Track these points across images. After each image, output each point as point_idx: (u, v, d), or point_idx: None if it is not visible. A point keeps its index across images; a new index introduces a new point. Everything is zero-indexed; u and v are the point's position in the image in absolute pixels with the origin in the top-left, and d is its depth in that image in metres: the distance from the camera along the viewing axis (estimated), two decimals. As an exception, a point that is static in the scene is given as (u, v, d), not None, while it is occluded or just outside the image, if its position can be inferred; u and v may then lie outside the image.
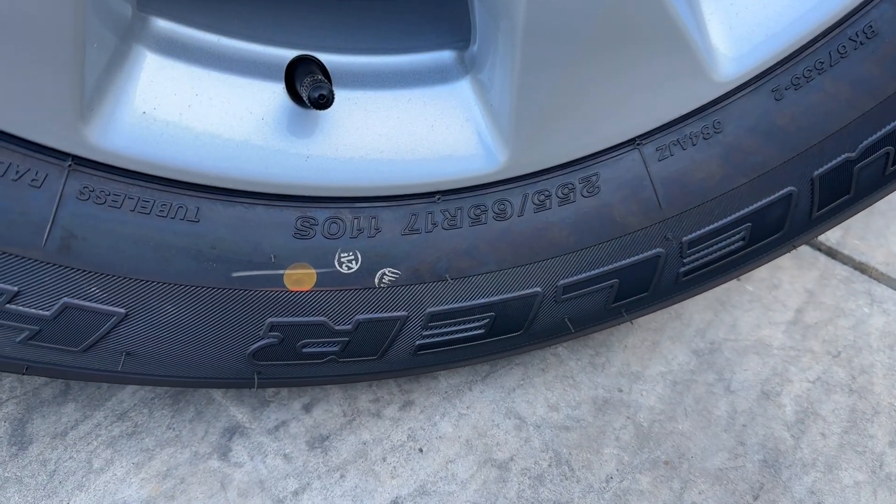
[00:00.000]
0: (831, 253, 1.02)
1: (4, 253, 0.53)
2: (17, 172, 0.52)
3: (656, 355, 0.86)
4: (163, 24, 0.55)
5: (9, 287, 0.54)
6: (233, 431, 0.77)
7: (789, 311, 0.92)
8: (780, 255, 0.73)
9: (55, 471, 0.73)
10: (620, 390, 0.82)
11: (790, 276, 0.97)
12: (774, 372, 0.85)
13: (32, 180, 0.52)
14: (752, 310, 0.92)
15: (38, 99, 0.49)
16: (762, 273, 0.97)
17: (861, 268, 0.99)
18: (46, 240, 0.54)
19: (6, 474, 0.72)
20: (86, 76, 0.50)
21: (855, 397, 0.82)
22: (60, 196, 0.53)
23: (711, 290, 0.94)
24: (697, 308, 0.92)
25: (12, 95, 0.49)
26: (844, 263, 1.00)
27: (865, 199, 0.70)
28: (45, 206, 0.53)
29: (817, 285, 0.96)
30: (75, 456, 0.74)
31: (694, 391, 0.82)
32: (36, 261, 0.54)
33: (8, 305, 0.55)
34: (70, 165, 0.53)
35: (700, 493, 0.72)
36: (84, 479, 0.72)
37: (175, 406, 0.79)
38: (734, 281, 0.96)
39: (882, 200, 1.10)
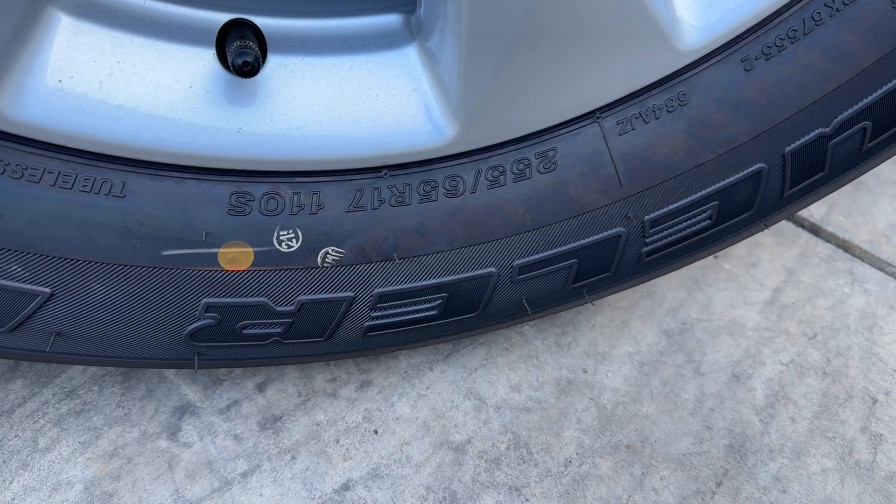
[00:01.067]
0: (814, 230, 0.98)
1: (-86, 230, 0.50)
2: (-77, 144, 0.49)
3: (625, 335, 0.83)
4: (80, -15, 0.51)
5: (-78, 265, 0.52)
6: (183, 410, 0.75)
7: (766, 290, 0.89)
8: (751, 235, 0.70)
9: (0, 449, 0.71)
10: (585, 371, 0.79)
11: (769, 254, 0.94)
12: (747, 354, 0.82)
13: (-59, 153, 0.49)
14: (728, 289, 0.89)
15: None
16: (740, 250, 0.94)
17: (844, 245, 0.96)
18: (-41, 216, 0.51)
19: (-50, 452, 0.71)
20: (-11, 40, 0.46)
21: (829, 381, 0.79)
22: (-27, 170, 0.50)
23: (686, 268, 0.91)
24: (670, 286, 0.89)
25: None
26: (827, 241, 0.97)
27: (841, 176, 0.67)
28: (-44, 180, 0.50)
29: (797, 263, 0.93)
30: (21, 434, 0.72)
31: (662, 373, 0.79)
32: (-50, 238, 0.51)
33: (-77, 284, 0.53)
34: (-18, 137, 0.50)
35: (661, 478, 0.70)
36: (29, 459, 0.70)
37: (126, 384, 0.77)
38: (710, 258, 0.93)
39: (869, 176, 1.07)
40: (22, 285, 0.54)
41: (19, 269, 0.53)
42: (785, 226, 0.98)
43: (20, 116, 0.49)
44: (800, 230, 0.98)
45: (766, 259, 0.93)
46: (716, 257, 0.93)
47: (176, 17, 0.54)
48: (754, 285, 0.90)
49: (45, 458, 0.70)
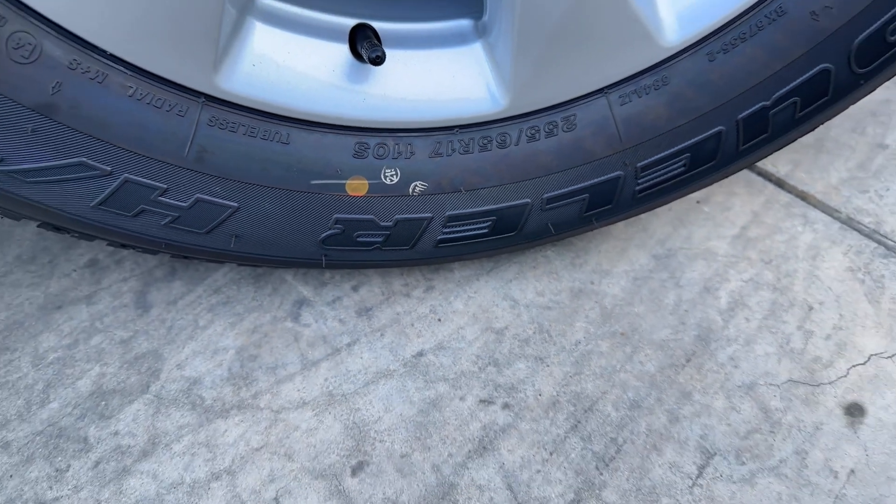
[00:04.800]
0: (779, 182, 1.14)
1: (160, 161, 0.73)
2: (170, 106, 0.73)
3: (623, 258, 1.00)
4: (266, 2, 0.76)
5: (162, 185, 0.72)
6: (301, 303, 0.98)
7: (736, 227, 1.05)
8: (715, 182, 0.92)
9: (171, 327, 0.94)
10: (592, 283, 0.97)
11: (741, 201, 1.11)
12: (716, 273, 0.98)
13: (179, 111, 0.73)
14: (705, 226, 1.04)
15: (188, 54, 0.69)
16: (718, 197, 1.11)
17: (802, 195, 1.11)
18: (188, 152, 0.72)
19: (136, 328, 0.96)
20: (220, 38, 0.72)
21: (777, 293, 0.95)
22: (197, 123, 0.72)
23: (673, 210, 1.13)
24: (660, 223, 1.08)
25: (171, 52, 0.69)
26: (789, 192, 1.12)
27: (780, 138, 0.87)
28: (187, 129, 0.71)
29: (762, 208, 1.08)
30: (184, 317, 0.95)
31: (650, 285, 0.96)
32: (180, 167, 0.71)
33: (160, 198, 0.73)
34: (204, 102, 0.73)
35: (646, 355, 0.88)
36: (193, 333, 0.93)
37: (256, 284, 1.02)
38: (693, 203, 1.16)
39: (829, 140, 1.28)
40: (220, 200, 0.75)
41: (220, 189, 0.79)
42: (756, 178, 1.19)
43: (229, 88, 0.71)
44: (767, 183, 1.16)
45: (739, 204, 1.10)
46: (698, 202, 1.16)
47: (323, 21, 0.76)
48: (727, 223, 1.06)
49: (205, 332, 0.96)
